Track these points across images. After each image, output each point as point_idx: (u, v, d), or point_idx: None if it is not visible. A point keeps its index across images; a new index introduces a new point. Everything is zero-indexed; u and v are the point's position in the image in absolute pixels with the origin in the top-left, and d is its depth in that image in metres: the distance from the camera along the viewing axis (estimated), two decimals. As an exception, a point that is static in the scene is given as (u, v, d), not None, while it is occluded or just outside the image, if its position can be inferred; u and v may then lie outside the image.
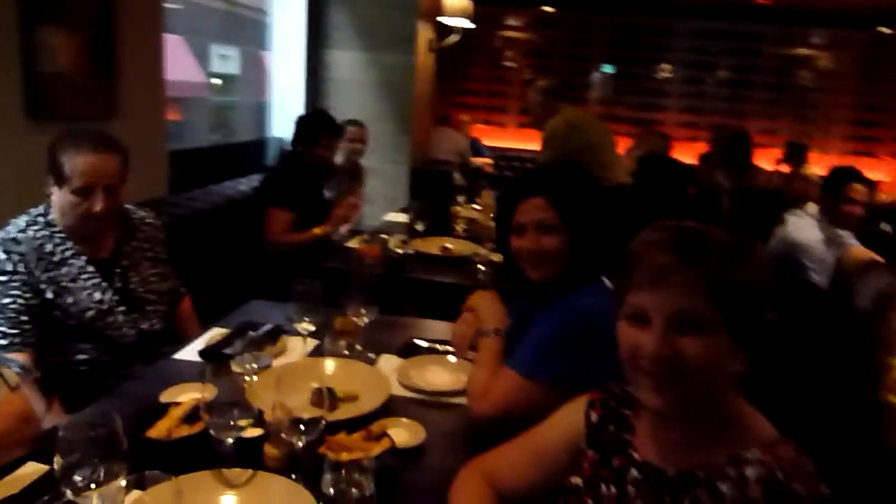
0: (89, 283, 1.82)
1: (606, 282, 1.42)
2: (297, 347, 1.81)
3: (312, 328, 1.71)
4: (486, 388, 1.41)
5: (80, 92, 2.44)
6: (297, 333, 1.77)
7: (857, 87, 6.83)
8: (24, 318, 1.72)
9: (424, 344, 1.85)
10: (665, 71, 7.23)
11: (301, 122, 3.28)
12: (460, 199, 3.75)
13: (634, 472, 0.95)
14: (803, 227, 3.05)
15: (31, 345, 1.73)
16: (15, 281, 1.72)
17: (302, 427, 1.17)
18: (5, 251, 1.74)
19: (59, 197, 1.77)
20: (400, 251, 2.86)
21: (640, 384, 0.92)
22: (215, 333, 1.88)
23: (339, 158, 3.89)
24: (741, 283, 0.87)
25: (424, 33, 4.83)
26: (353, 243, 2.99)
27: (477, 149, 6.89)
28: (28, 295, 1.73)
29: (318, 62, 4.68)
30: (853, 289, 2.53)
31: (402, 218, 3.72)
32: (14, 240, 1.75)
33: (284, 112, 4.55)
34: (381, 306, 1.83)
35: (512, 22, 7.35)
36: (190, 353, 1.76)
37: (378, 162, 4.64)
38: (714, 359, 0.87)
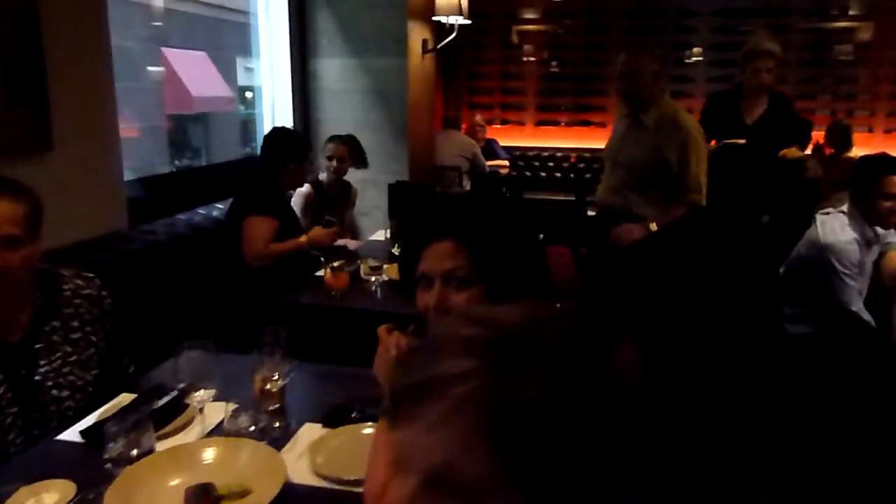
0: None
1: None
2: (213, 416, 1.52)
3: (209, 397, 1.44)
4: (384, 486, 1.10)
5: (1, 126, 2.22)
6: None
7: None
8: None
9: (355, 412, 1.55)
10: (695, 55, 6.76)
11: (266, 144, 3.00)
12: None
13: None
14: (834, 227, 2.65)
15: None
16: None
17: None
18: None
19: None
20: (374, 279, 2.58)
21: None
22: (121, 399, 1.63)
23: (323, 177, 3.64)
24: None
25: (419, 34, 4.53)
26: (320, 272, 2.72)
27: (493, 150, 6.57)
28: None
29: (306, 71, 4.43)
30: (893, 306, 2.14)
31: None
32: None
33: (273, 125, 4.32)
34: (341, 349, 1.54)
35: (525, 14, 7.00)
36: (75, 432, 1.50)
37: (374, 173, 4.36)
38: None
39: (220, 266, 2.84)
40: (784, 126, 3.62)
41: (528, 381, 0.46)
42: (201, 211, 3.22)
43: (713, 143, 3.25)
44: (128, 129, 9.85)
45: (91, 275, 1.75)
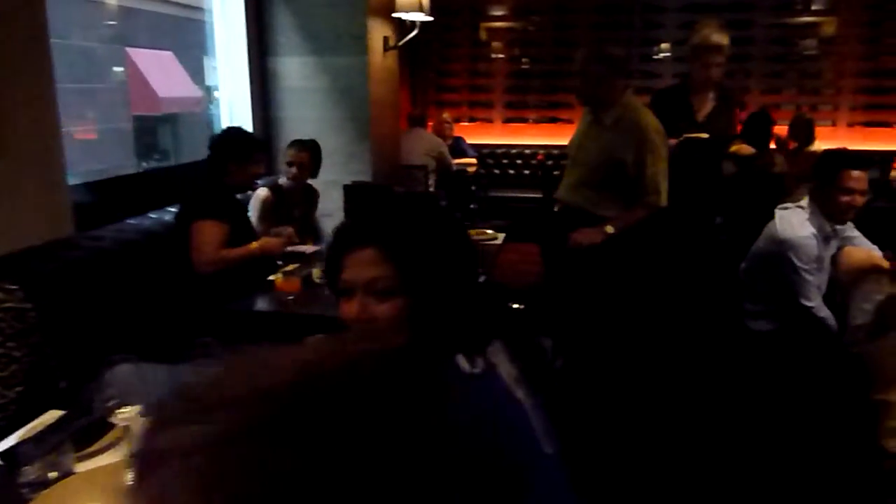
0: None
1: (463, 363, 1.03)
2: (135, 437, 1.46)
3: (137, 414, 1.37)
4: None
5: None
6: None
7: (865, 51, 6.30)
8: None
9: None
10: (662, 51, 6.76)
11: (211, 146, 2.92)
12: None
13: None
14: (793, 221, 2.63)
15: None
16: None
17: None
18: None
19: None
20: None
21: None
22: (47, 417, 1.55)
23: (283, 181, 3.55)
24: None
25: (379, 31, 4.46)
26: (272, 276, 2.64)
27: (461, 148, 6.52)
28: None
29: (265, 70, 4.33)
30: (849, 302, 2.12)
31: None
32: None
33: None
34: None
35: (493, 11, 6.95)
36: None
37: (337, 174, 4.28)
38: None
39: (168, 273, 2.75)
40: (733, 121, 3.60)
41: (285, 450, 0.37)
42: (152, 215, 3.11)
43: (672, 140, 3.22)
44: (90, 131, 9.66)
45: (13, 287, 1.66)
